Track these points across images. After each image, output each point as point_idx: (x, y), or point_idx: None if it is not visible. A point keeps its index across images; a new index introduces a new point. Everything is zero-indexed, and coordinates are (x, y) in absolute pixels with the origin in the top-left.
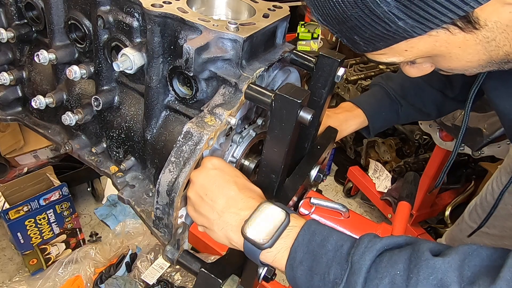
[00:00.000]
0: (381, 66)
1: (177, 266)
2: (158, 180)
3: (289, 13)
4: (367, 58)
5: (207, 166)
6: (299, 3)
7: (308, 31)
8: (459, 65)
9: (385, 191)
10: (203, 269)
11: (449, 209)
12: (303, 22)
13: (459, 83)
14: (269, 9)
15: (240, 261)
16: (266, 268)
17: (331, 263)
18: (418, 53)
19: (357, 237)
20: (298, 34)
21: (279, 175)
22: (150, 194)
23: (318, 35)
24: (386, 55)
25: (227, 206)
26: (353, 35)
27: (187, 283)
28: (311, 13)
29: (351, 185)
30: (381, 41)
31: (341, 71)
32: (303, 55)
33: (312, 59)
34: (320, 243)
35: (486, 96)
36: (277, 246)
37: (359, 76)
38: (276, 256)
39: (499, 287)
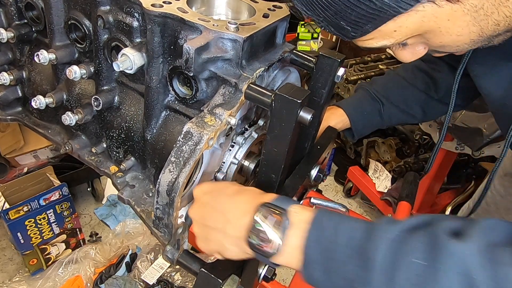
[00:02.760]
0: (381, 66)
1: (177, 266)
2: (158, 180)
3: (289, 13)
4: (360, 47)
5: (197, 196)
6: None
7: (308, 31)
8: (450, 39)
9: (385, 191)
10: (203, 269)
11: (449, 209)
12: (303, 22)
13: (444, 84)
14: (269, 9)
15: (240, 261)
16: (266, 268)
17: (346, 260)
18: (408, 32)
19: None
20: (298, 34)
21: (279, 175)
22: (150, 194)
23: (318, 35)
24: (376, 39)
25: (227, 220)
26: (339, 21)
27: (187, 283)
28: (295, 5)
29: (351, 185)
30: (368, 23)
31: (341, 71)
32: (303, 55)
33: (312, 59)
34: (331, 239)
35: (474, 80)
36: (286, 249)
37: (359, 76)
38: (289, 258)
39: None
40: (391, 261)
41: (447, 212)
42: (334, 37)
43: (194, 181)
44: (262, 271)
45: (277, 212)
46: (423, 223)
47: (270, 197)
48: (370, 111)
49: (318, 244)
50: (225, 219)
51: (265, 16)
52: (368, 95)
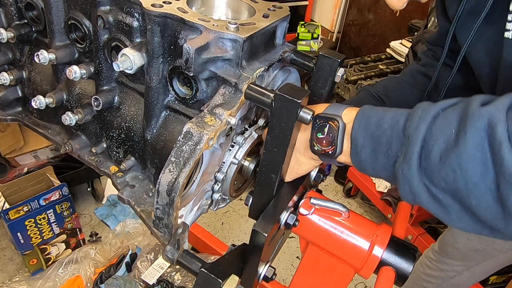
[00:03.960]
0: (381, 66)
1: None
2: (158, 180)
3: (289, 13)
4: None
5: None
6: (299, 3)
7: (308, 31)
8: None
9: (385, 191)
10: (203, 269)
11: None
12: (303, 22)
13: (443, 86)
14: (269, 9)
15: (240, 261)
16: (266, 268)
17: (391, 140)
18: None
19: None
20: (298, 34)
21: (279, 175)
22: (150, 194)
23: (318, 35)
24: None
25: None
26: None
27: (187, 283)
28: None
29: (351, 185)
30: None
31: (341, 71)
32: (303, 55)
33: (312, 59)
34: (377, 124)
35: (467, 55)
36: (345, 147)
37: (359, 76)
38: (347, 156)
39: None
40: (429, 134)
41: None
42: (334, 37)
43: (194, 181)
44: (262, 271)
45: (331, 118)
46: (459, 101)
47: (322, 107)
48: None
49: (364, 131)
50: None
51: (265, 16)
52: (369, 95)
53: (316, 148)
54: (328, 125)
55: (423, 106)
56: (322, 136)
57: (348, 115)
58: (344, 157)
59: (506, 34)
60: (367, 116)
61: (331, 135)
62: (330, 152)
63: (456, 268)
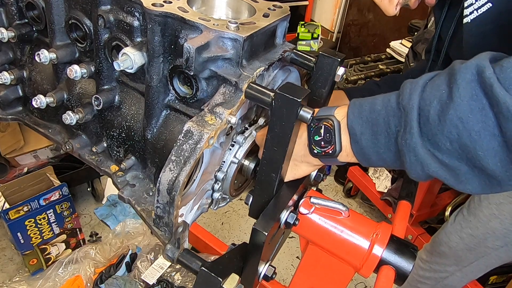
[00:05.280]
0: (381, 66)
1: (177, 266)
2: (159, 179)
3: (289, 12)
4: None
5: (259, 140)
6: (299, 3)
7: (308, 31)
8: None
9: (385, 191)
10: (203, 268)
11: (449, 209)
12: (303, 22)
13: None
14: (269, 8)
15: (240, 260)
16: (266, 267)
17: (387, 119)
18: None
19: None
20: (298, 34)
21: (279, 174)
22: (151, 193)
23: (318, 35)
24: None
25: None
26: None
27: (187, 283)
28: None
29: (351, 185)
30: None
31: (341, 71)
32: (303, 54)
33: (312, 59)
34: (370, 109)
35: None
36: (344, 142)
37: (359, 76)
38: (348, 150)
39: None
40: (423, 101)
41: (447, 213)
42: (334, 37)
43: (195, 180)
44: (262, 270)
45: (324, 119)
46: (444, 70)
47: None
48: (368, 93)
49: (359, 118)
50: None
51: (265, 15)
52: (373, 83)
53: (316, 151)
54: (323, 126)
55: (410, 81)
56: (319, 138)
57: (340, 112)
58: (345, 153)
59: (465, 20)
60: (358, 105)
61: (328, 135)
62: (330, 151)
63: (448, 268)
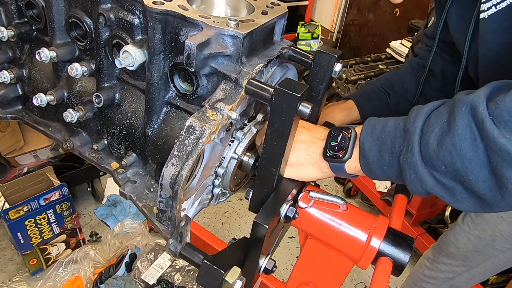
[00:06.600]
0: (381, 66)
1: (177, 266)
2: (162, 174)
3: (287, 10)
4: None
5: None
6: (299, 3)
7: (308, 31)
8: None
9: (385, 191)
10: (205, 261)
11: (449, 209)
12: (303, 22)
13: (439, 74)
14: (267, 6)
15: (241, 253)
16: (266, 261)
17: (394, 139)
18: None
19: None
20: (298, 34)
21: (278, 168)
22: (152, 190)
23: (318, 35)
24: None
25: (307, 146)
26: None
27: (187, 283)
28: None
29: (351, 185)
30: None
31: (338, 67)
32: (301, 51)
33: (309, 55)
34: (381, 130)
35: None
36: (355, 154)
37: (359, 76)
38: (357, 162)
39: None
40: (426, 126)
41: (447, 213)
42: (334, 37)
43: (196, 175)
44: (263, 263)
45: (345, 128)
46: (449, 100)
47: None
48: (378, 101)
49: (371, 136)
50: (306, 146)
51: (264, 13)
52: (375, 88)
53: (328, 154)
54: (342, 134)
55: (417, 107)
56: (335, 143)
57: (358, 128)
58: (354, 165)
59: (482, 15)
60: (372, 124)
61: (343, 141)
62: (340, 155)
63: (455, 269)
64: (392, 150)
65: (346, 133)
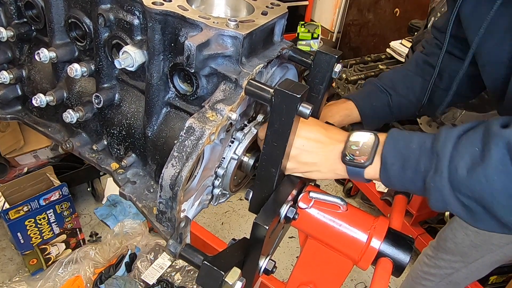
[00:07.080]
0: (381, 66)
1: (177, 266)
2: (161, 175)
3: (286, 10)
4: None
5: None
6: (299, 3)
7: (308, 31)
8: None
9: (385, 191)
10: (205, 262)
11: None
12: (303, 22)
13: (446, 73)
14: (267, 6)
15: (241, 254)
16: (266, 261)
17: (419, 158)
18: None
19: (433, 135)
20: (298, 34)
21: (278, 169)
22: (151, 190)
23: (318, 35)
24: None
25: (323, 146)
26: None
27: (187, 283)
28: None
29: (351, 185)
30: None
31: (338, 67)
32: (301, 51)
33: (309, 56)
34: (405, 145)
35: (465, 30)
36: (376, 162)
37: (359, 76)
38: (377, 170)
39: None
40: (455, 151)
41: (447, 212)
42: (334, 37)
43: (196, 176)
44: (263, 264)
45: (369, 134)
46: (479, 123)
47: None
48: (379, 102)
49: (393, 150)
50: (323, 146)
51: (264, 13)
52: (376, 88)
53: (348, 158)
54: (364, 139)
55: (446, 128)
56: (356, 148)
57: (382, 135)
58: (373, 172)
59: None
60: (395, 139)
61: (365, 147)
62: (362, 161)
63: (453, 265)
64: (417, 168)
65: (369, 139)
